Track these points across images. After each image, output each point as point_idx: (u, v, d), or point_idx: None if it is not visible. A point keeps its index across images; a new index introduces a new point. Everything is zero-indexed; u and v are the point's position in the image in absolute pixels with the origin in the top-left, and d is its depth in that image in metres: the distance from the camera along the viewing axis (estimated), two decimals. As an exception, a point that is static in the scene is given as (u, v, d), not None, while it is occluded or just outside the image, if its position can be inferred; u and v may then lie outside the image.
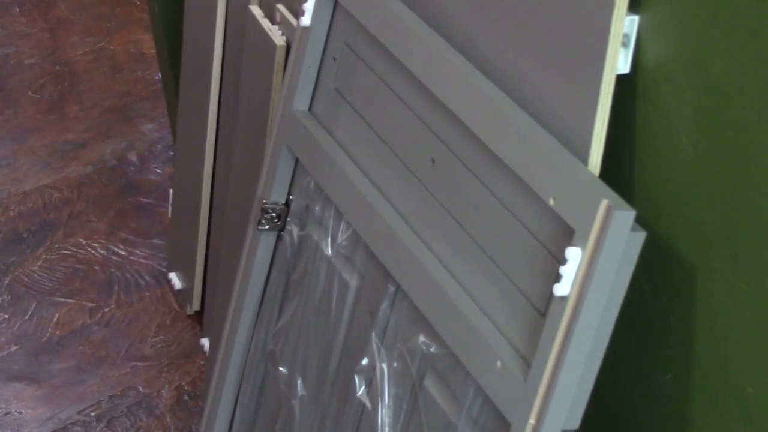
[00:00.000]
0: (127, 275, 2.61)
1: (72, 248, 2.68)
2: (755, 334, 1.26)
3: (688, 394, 1.38)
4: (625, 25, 1.27)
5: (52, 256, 2.65)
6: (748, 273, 1.26)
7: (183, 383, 2.30)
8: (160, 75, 2.86)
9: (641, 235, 1.24)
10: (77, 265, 2.62)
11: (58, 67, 3.38)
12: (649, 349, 1.44)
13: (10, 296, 2.54)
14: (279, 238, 1.79)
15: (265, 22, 1.99)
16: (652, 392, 1.45)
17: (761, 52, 1.17)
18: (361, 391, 1.58)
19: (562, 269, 1.24)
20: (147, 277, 2.61)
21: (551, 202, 1.27)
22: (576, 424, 1.27)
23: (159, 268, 2.63)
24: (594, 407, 1.28)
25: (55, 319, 2.46)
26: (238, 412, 1.88)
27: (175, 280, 2.49)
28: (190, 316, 2.47)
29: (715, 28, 1.21)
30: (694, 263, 1.33)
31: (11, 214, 2.78)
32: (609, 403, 1.51)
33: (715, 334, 1.32)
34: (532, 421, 1.26)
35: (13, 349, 2.39)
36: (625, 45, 1.28)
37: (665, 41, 1.27)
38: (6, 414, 2.23)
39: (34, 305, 2.51)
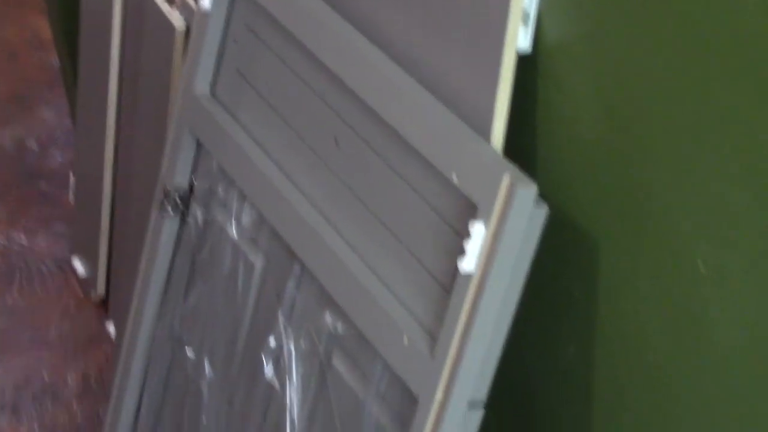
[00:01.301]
0: (29, 263, 2.58)
1: (-29, 239, 2.65)
2: (656, 307, 1.29)
3: (590, 366, 1.41)
4: (525, 2, 1.28)
5: (-49, 246, 2.62)
6: (650, 247, 1.29)
7: (89, 370, 2.29)
8: (57, 60, 2.83)
9: (543, 211, 1.26)
10: (-23, 255, 2.59)
11: (-50, 54, 3.32)
12: (553, 322, 1.46)
13: None
14: (183, 221, 1.78)
15: (164, 5, 1.98)
16: (557, 364, 1.47)
17: (656, 29, 1.19)
18: (268, 371, 1.59)
19: (466, 245, 1.25)
20: (50, 265, 2.58)
21: (454, 178, 1.28)
22: (482, 397, 1.29)
23: (62, 255, 2.60)
24: (500, 380, 1.30)
25: (-44, 310, 2.43)
26: (145, 396, 1.87)
27: (79, 266, 2.47)
28: (95, 302, 2.44)
29: (612, 5, 1.23)
30: (596, 238, 1.35)
31: None
32: (515, 375, 1.53)
33: (617, 308, 1.35)
34: (439, 395, 1.28)
35: None
36: (525, 23, 1.30)
37: (564, 19, 1.29)
38: None
39: (-68, 296, 2.47)
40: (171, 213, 1.77)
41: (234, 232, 1.68)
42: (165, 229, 1.79)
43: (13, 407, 2.19)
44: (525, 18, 1.29)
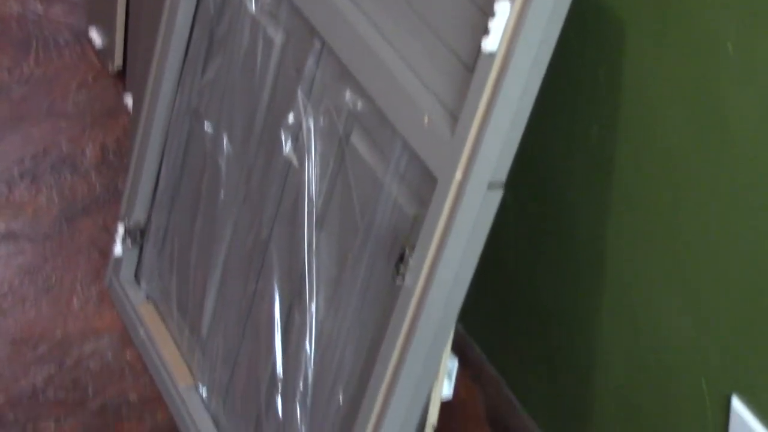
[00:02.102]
0: (46, 33, 2.55)
1: (-14, 4, 2.61)
2: (681, 89, 1.28)
3: (612, 146, 1.40)
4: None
5: (-35, 13, 2.59)
6: (678, 30, 1.27)
7: (107, 141, 2.29)
8: None
9: (571, -10, 1.23)
10: (-7, 22, 2.57)
11: None
12: (576, 104, 1.45)
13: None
14: (202, -8, 1.76)
15: None
16: (578, 145, 1.47)
17: None
18: (287, 148, 1.59)
19: (491, 23, 1.23)
20: (66, 35, 2.55)
21: (481, -45, 1.25)
22: (502, 178, 1.28)
23: (78, 25, 2.57)
24: (520, 161, 1.30)
25: (-28, 78, 2.42)
26: (163, 169, 1.88)
27: (96, 37, 2.44)
28: (112, 74, 2.43)
29: None
30: (623, 20, 1.32)
31: None
32: (535, 156, 1.53)
33: (642, 90, 1.33)
34: (458, 175, 1.28)
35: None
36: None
37: None
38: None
39: (-52, 62, 2.46)
40: (189, -16, 1.74)
41: (253, 6, 1.65)
42: (183, 2, 1.76)
43: (33, 176, 2.20)
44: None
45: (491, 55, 1.24)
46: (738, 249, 1.25)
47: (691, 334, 1.35)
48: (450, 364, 1.42)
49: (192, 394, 1.78)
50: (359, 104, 1.46)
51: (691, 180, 1.30)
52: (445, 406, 1.45)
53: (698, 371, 1.36)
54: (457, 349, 1.44)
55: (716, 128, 1.24)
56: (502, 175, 1.28)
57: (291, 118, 1.58)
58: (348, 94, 1.48)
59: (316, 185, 1.53)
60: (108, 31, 2.39)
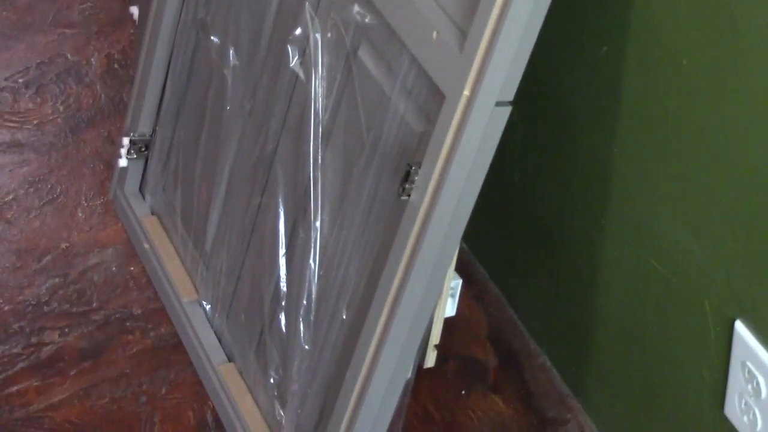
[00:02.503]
0: (51, -61, 2.52)
1: None
2: (692, 2, 1.26)
3: (622, 67, 1.39)
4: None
5: None
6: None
7: (113, 51, 2.27)
8: None
9: None
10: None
11: None
12: (586, 19, 1.43)
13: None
14: None
15: None
16: (588, 63, 1.45)
17: None
18: (294, 61, 1.57)
19: (503, -62, 1.21)
20: (71, -58, 2.52)
21: None
22: (510, 96, 1.27)
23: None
24: (529, 79, 1.28)
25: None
26: (169, 80, 1.87)
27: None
28: (117, -17, 2.40)
29: None
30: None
31: None
32: (544, 74, 1.51)
33: (652, 3, 1.31)
34: (466, 92, 1.26)
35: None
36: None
37: None
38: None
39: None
40: None
41: None
42: None
43: (38, 86, 2.18)
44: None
45: (502, -30, 1.22)
46: (751, 167, 1.24)
47: (697, 254, 1.34)
48: (454, 283, 1.42)
49: (195, 308, 1.78)
50: (367, 18, 1.44)
51: (702, 96, 1.28)
52: (448, 325, 1.45)
53: (702, 293, 1.35)
54: (461, 268, 1.43)
55: (728, 45, 1.22)
56: (511, 92, 1.27)
57: (298, 30, 1.56)
58: (356, 8, 1.46)
59: (322, 100, 1.52)
60: (114, -61, 2.36)
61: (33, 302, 1.85)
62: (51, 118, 2.14)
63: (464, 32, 1.28)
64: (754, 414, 1.31)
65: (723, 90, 1.24)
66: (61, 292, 1.86)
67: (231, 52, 1.70)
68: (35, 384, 1.77)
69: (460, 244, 1.37)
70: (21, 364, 1.79)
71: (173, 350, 1.81)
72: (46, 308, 1.84)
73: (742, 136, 1.23)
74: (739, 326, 1.30)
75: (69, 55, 2.25)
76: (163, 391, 1.77)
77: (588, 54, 1.44)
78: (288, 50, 1.57)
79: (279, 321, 1.59)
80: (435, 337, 1.44)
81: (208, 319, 1.77)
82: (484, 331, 1.82)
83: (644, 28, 1.33)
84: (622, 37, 1.36)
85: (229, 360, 1.72)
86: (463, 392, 1.75)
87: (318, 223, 1.51)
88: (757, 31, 1.18)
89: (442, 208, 1.30)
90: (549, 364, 1.73)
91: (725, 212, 1.29)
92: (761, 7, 1.16)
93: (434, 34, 1.30)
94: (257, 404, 1.65)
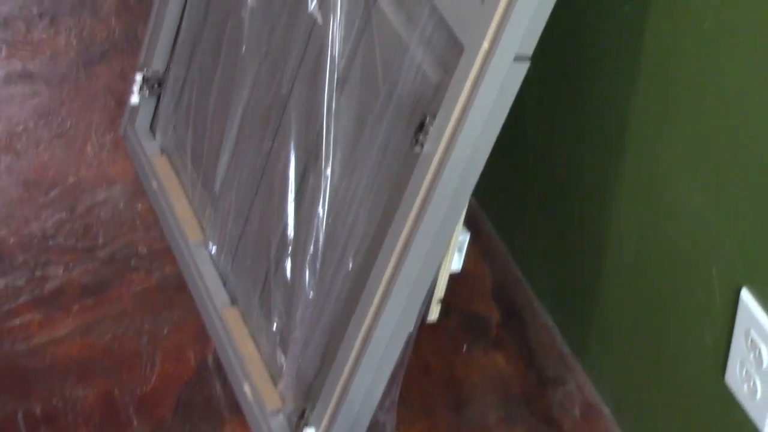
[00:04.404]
0: None
1: None
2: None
3: (644, 26, 1.37)
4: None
5: None
6: None
7: (129, -14, 2.26)
8: None
9: None
10: None
11: None
12: (610, -21, 1.41)
13: None
14: None
15: None
16: (610, 21, 1.44)
17: None
18: (312, 5, 1.55)
19: None
20: None
21: None
22: (530, 51, 1.26)
23: None
24: (549, 36, 1.27)
25: None
26: (185, 19, 1.85)
27: None
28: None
29: None
30: None
31: None
32: (565, 32, 1.49)
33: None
34: (485, 44, 1.25)
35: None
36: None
37: None
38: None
39: None
40: None
41: None
42: None
43: (52, 16, 2.17)
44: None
45: None
46: None
47: (708, 218, 1.34)
48: (461, 237, 1.41)
49: (201, 250, 1.77)
50: (388, -38, 1.42)
51: (724, 63, 1.26)
52: (452, 280, 1.44)
53: (710, 258, 1.35)
54: (469, 222, 1.43)
55: (753, 8, 1.20)
56: (530, 48, 1.26)
57: (318, -26, 1.54)
58: (377, -46, 1.44)
59: (339, 45, 1.50)
60: None
61: (39, 235, 1.85)
62: (64, 50, 2.12)
63: (487, -16, 1.26)
64: (755, 383, 1.30)
65: (744, 54, 1.23)
66: (67, 226, 1.86)
67: (249, -8, 1.69)
68: (38, 318, 1.77)
69: (470, 198, 1.36)
70: (24, 297, 1.78)
71: (177, 291, 1.80)
72: (51, 242, 1.84)
73: (761, 102, 1.22)
74: (745, 294, 1.29)
75: (86, -15, 2.24)
76: (165, 331, 1.77)
77: (610, 11, 1.43)
78: (306, -7, 1.56)
79: (284, 267, 1.58)
80: (440, 291, 1.44)
81: (214, 262, 1.76)
82: (488, 288, 1.81)
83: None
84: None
85: (233, 303, 1.72)
86: (464, 347, 1.75)
87: (329, 171, 1.50)
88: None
89: (455, 161, 1.29)
90: (552, 323, 1.72)
91: (741, 178, 1.28)
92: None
93: (455, -14, 1.29)
94: (259, 349, 1.65)
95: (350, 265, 1.47)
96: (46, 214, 1.87)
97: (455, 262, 1.43)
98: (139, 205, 1.90)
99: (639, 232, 1.47)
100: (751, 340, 1.29)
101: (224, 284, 1.74)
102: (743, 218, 1.28)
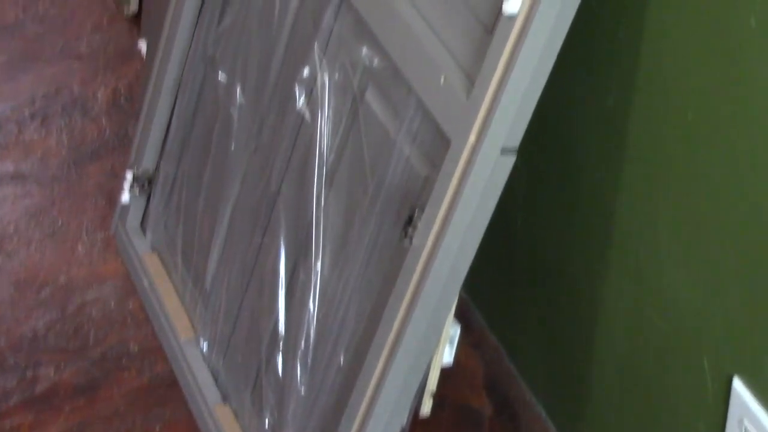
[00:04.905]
0: (63, -28, 2.53)
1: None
2: (702, 60, 1.25)
3: (628, 118, 1.38)
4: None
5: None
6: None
7: (119, 85, 2.27)
8: None
9: (596, -46, 1.20)
10: (10, -42, 2.54)
11: None
12: (594, 71, 1.43)
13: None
14: (221, -61, 1.73)
15: None
16: (594, 114, 1.45)
17: None
18: (300, 101, 1.57)
19: (513, -15, 1.21)
20: (83, -25, 2.53)
21: None
22: (516, 143, 1.26)
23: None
24: (534, 128, 1.28)
25: (-13, 14, 2.39)
26: (175, 117, 1.86)
27: (113, -21, 2.42)
28: (127, 18, 2.40)
29: None
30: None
31: None
32: (550, 124, 1.51)
33: (661, 61, 1.31)
34: (472, 138, 1.26)
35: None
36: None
37: None
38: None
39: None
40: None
41: (273, -46, 1.63)
42: (202, -53, 1.74)
43: (43, 117, 2.18)
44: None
45: (511, 18, 1.21)
46: (755, 224, 1.23)
47: (697, 308, 1.34)
48: (452, 330, 1.41)
49: (192, 347, 1.77)
50: (375, 61, 1.44)
51: (708, 154, 1.27)
52: (444, 373, 1.43)
53: (700, 348, 1.34)
54: (460, 314, 1.42)
55: (735, 100, 1.21)
56: (516, 140, 1.26)
57: (306, 71, 1.56)
58: (365, 50, 1.45)
59: (327, 141, 1.51)
60: (125, -26, 2.37)
61: (30, 336, 1.84)
62: (55, 150, 2.13)
63: (472, 78, 1.27)
64: (752, 471, 1.30)
65: (727, 145, 1.24)
66: (58, 326, 1.85)
67: (238, 90, 1.70)
68: (29, 419, 1.75)
69: (460, 291, 1.36)
70: (15, 399, 1.77)
71: (169, 388, 1.79)
72: (42, 342, 1.83)
73: (746, 191, 1.23)
74: (737, 383, 1.29)
75: (76, 88, 2.26)
76: (157, 429, 1.76)
77: (595, 104, 1.44)
78: (295, 90, 1.57)
79: (276, 363, 1.58)
80: (432, 385, 1.43)
81: (205, 359, 1.75)
82: (480, 380, 1.80)
83: (651, 82, 1.33)
84: (629, 89, 1.36)
85: (225, 400, 1.71)
86: (458, 441, 1.74)
87: (318, 265, 1.50)
88: (764, 89, 1.17)
89: (444, 254, 1.30)
90: (545, 415, 1.71)
91: (728, 266, 1.28)
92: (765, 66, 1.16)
93: (442, 78, 1.30)
94: (251, 446, 1.64)
95: (342, 360, 1.46)
96: (37, 315, 1.87)
97: (447, 355, 1.42)
98: (131, 303, 1.90)
99: (629, 323, 1.47)
100: (745, 429, 1.29)
101: (215, 381, 1.73)
102: (732, 307, 1.28)
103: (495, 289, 1.79)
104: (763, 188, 1.21)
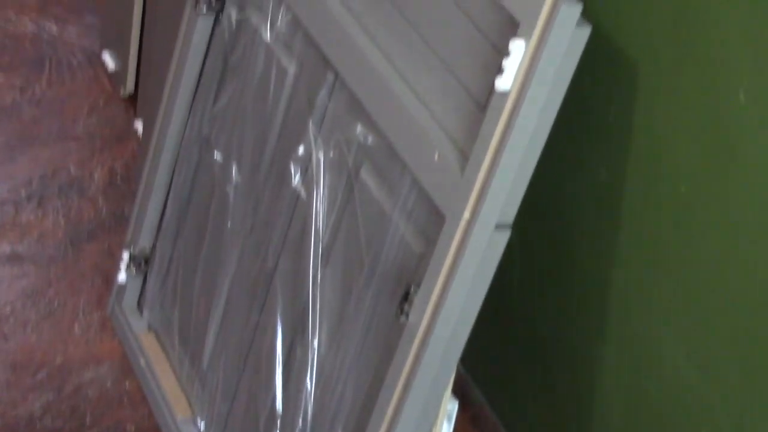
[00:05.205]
0: (59, 54, 2.55)
1: (0, 22, 2.61)
2: (691, 134, 1.26)
3: (621, 191, 1.39)
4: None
5: (-19, 31, 2.58)
6: (691, 75, 1.25)
7: (116, 165, 2.28)
8: None
9: (586, 31, 1.22)
10: (6, 39, 2.56)
11: None
12: (586, 145, 1.44)
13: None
14: (217, 20, 1.75)
15: None
16: (588, 188, 1.45)
17: None
18: (296, 180, 1.57)
19: (505, 62, 1.22)
20: (79, 57, 2.55)
21: (497, -7, 1.24)
22: (510, 219, 1.27)
23: (92, 48, 2.56)
24: (528, 201, 1.28)
25: (-16, 96, 2.41)
26: (171, 196, 1.87)
27: (109, 61, 2.44)
28: (123, 98, 2.42)
29: None
30: (637, 58, 1.31)
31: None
32: (544, 199, 1.51)
33: (652, 134, 1.32)
34: (467, 215, 1.26)
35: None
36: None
37: None
38: (-66, 191, 2.21)
39: (-41, 80, 2.45)
40: (205, 10, 1.73)
41: (268, 35, 1.64)
42: (198, 27, 1.75)
43: (40, 198, 2.19)
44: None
45: (504, 95, 1.22)
46: (750, 299, 1.23)
47: (693, 384, 1.33)
48: (450, 406, 1.40)
49: (190, 427, 1.76)
50: (370, 139, 1.45)
51: (702, 226, 1.28)
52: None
53: (699, 423, 1.34)
54: (457, 389, 1.42)
55: (726, 174, 1.22)
56: (511, 215, 1.27)
57: (301, 149, 1.56)
58: (359, 128, 1.46)
59: (323, 219, 1.52)
60: (121, 56, 2.38)
61: (26, 417, 1.83)
62: (52, 231, 2.14)
63: (465, 154, 1.28)
64: None
65: (722, 216, 1.24)
66: (54, 408, 1.84)
67: (234, 169, 1.71)
68: (24, 504, 1.74)
69: (457, 366, 1.36)
70: (10, 482, 1.76)
71: (166, 469, 1.78)
72: (38, 424, 1.82)
73: (741, 265, 1.23)
74: (739, 457, 1.28)
75: (72, 169, 2.26)
76: None
77: (588, 178, 1.44)
78: (290, 168, 1.57)
79: (274, 441, 1.57)
80: (431, 462, 1.42)
81: (203, 438, 1.74)
82: (480, 456, 1.79)
83: (643, 155, 1.34)
84: (622, 163, 1.37)
85: (223, 480, 1.69)
86: None
87: (315, 342, 1.50)
88: (758, 171, 1.18)
89: (441, 330, 1.29)
90: (546, 490, 1.70)
91: (725, 343, 1.28)
92: (762, 150, 1.17)
93: (436, 155, 1.31)
94: None
95: (339, 438, 1.45)
96: (33, 396, 1.85)
97: (445, 431, 1.42)
98: (127, 383, 1.89)
99: (626, 399, 1.47)
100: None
101: (214, 461, 1.72)
102: (730, 383, 1.28)
103: (493, 363, 1.78)
104: (759, 261, 1.21)
